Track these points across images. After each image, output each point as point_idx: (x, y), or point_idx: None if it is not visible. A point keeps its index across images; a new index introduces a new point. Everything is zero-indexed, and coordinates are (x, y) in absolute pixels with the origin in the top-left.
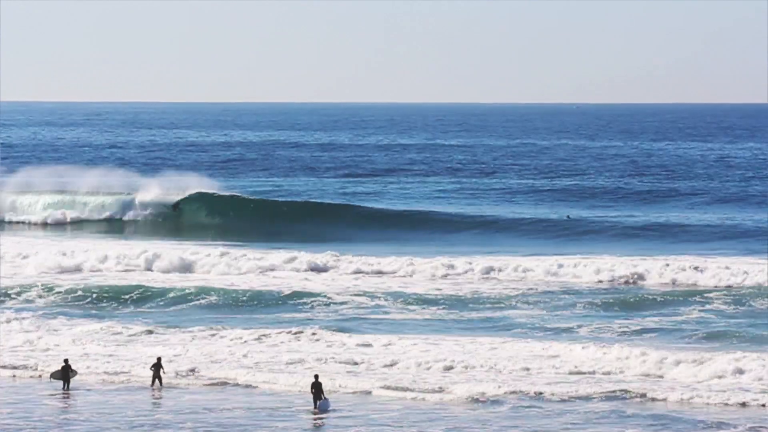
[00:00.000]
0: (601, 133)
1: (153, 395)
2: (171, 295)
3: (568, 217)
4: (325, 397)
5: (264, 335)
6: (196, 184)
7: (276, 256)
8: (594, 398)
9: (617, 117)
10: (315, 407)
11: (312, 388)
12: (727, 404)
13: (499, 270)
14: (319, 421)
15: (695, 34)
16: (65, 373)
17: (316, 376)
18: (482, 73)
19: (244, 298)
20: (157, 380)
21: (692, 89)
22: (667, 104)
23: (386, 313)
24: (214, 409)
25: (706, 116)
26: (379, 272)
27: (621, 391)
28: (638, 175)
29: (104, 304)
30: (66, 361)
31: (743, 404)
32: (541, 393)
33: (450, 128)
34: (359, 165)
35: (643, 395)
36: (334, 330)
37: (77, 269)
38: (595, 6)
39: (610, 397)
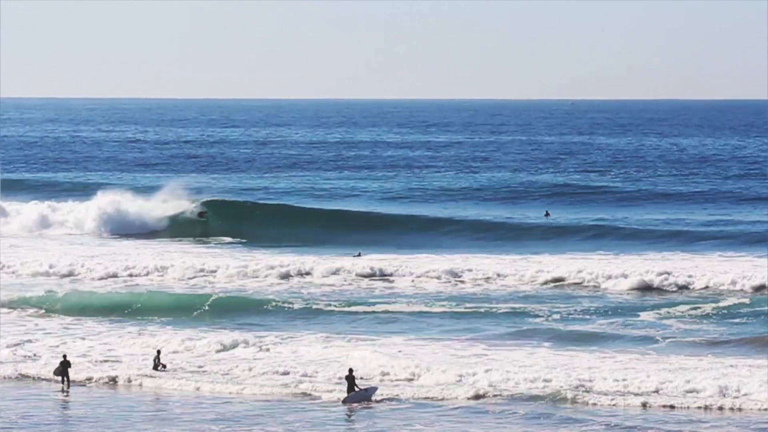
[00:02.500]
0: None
1: (157, 391)
2: None
3: (546, 213)
4: (359, 388)
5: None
6: None
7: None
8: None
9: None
10: (347, 397)
11: (345, 380)
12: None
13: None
14: (345, 413)
15: (695, 34)
16: (65, 370)
17: (351, 370)
18: (481, 71)
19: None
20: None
21: (692, 88)
22: (662, 101)
23: None
24: (228, 402)
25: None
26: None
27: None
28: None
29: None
30: (65, 356)
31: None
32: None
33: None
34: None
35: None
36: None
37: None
38: (595, 6)
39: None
